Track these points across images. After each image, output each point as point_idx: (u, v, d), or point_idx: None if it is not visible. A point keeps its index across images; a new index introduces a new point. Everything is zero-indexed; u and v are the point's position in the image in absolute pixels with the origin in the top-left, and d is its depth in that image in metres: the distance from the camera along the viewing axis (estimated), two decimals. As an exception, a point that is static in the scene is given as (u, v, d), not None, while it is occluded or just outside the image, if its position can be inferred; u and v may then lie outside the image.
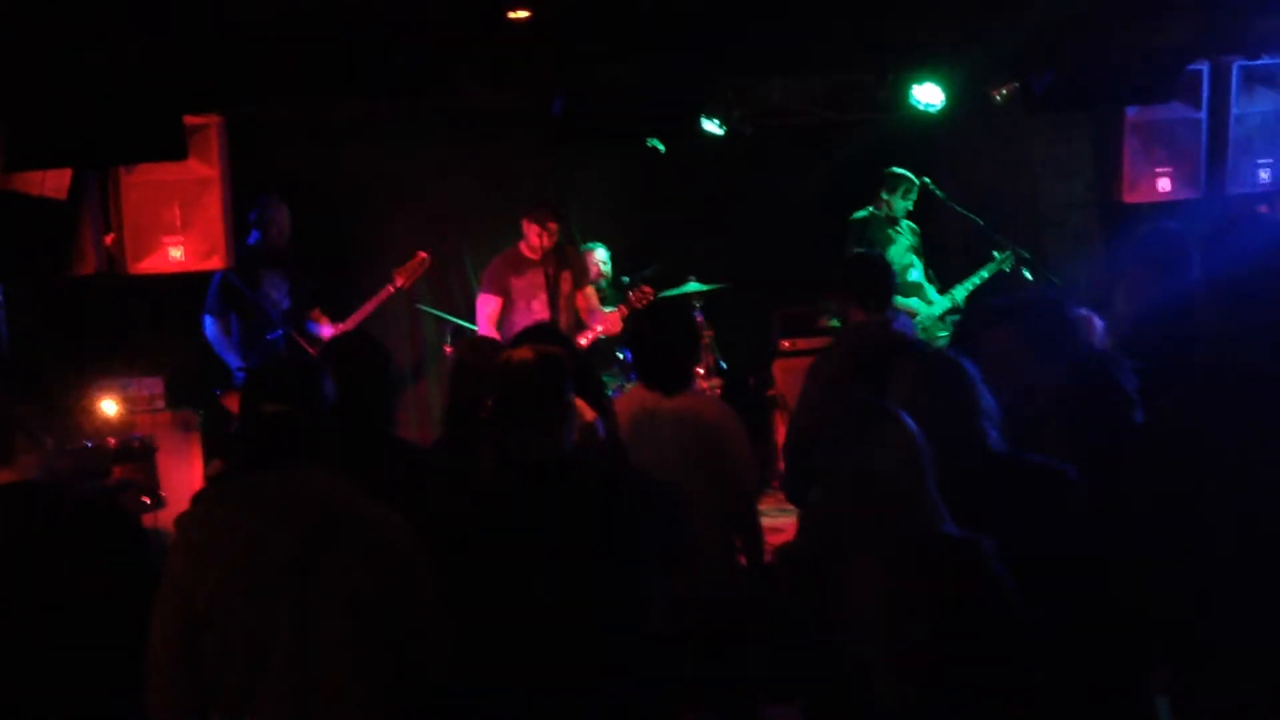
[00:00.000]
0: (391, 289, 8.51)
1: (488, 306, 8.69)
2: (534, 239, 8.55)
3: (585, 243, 9.79)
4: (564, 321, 8.57)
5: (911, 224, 9.41)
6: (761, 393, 9.85)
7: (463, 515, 3.91)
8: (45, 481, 4.05)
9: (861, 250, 8.84)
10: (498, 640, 3.76)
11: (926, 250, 9.54)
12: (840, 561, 3.52)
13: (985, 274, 9.27)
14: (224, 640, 3.52)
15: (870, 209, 9.34)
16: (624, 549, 3.85)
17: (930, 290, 9.39)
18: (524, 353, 3.99)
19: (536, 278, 8.61)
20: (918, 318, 9.16)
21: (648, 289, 8.87)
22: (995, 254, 9.25)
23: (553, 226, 8.58)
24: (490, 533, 3.83)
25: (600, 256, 9.75)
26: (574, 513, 3.84)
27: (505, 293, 8.65)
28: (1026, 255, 9.14)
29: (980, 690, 3.45)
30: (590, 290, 8.91)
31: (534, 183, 8.98)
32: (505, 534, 3.82)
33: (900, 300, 9.14)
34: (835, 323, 9.29)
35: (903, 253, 9.30)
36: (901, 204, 9.29)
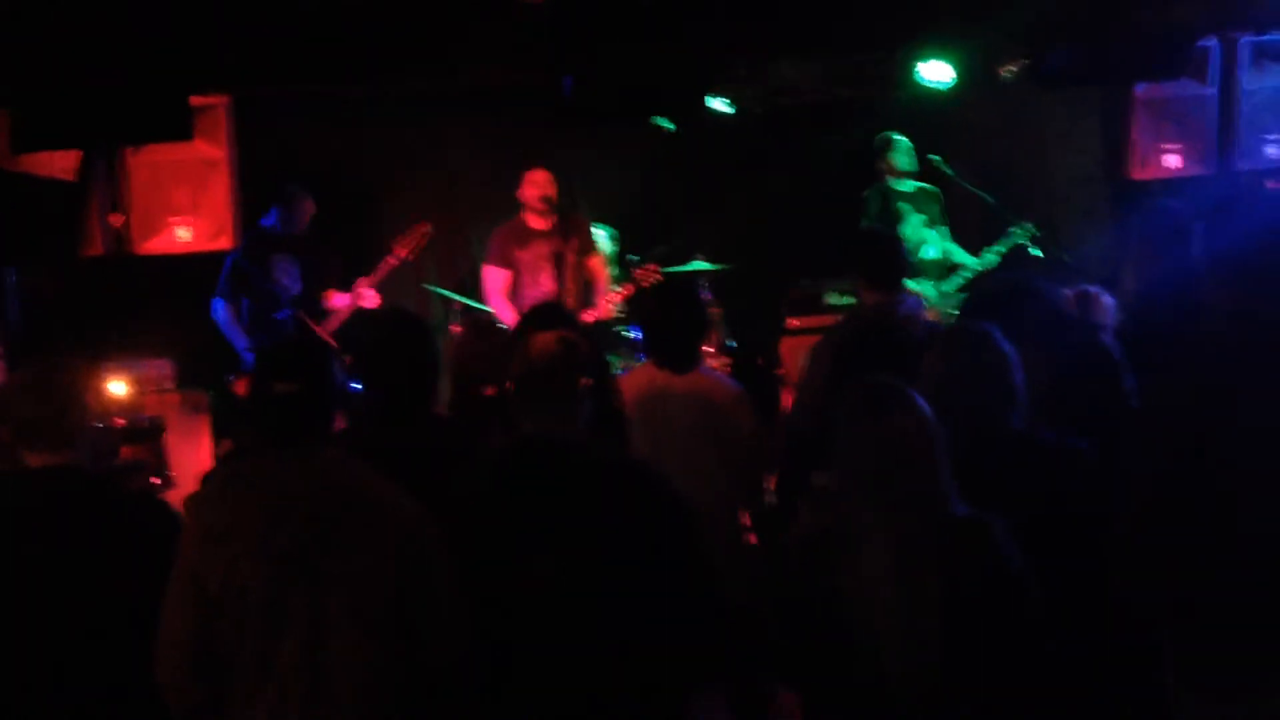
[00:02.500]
0: (394, 261, 8.46)
1: (495, 279, 8.62)
2: (535, 201, 8.53)
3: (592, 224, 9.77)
4: (571, 291, 8.54)
5: (930, 188, 9.30)
6: (770, 371, 9.83)
7: (475, 493, 3.92)
8: (89, 464, 4.06)
9: (874, 227, 8.76)
10: (506, 620, 3.78)
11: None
12: (851, 542, 3.52)
13: (1002, 249, 9.17)
14: (236, 622, 3.53)
15: (878, 184, 9.29)
16: (637, 529, 3.87)
17: (958, 252, 9.24)
18: (543, 337, 4.01)
19: (542, 249, 8.58)
20: (927, 301, 9.08)
21: (653, 267, 8.86)
22: (1012, 229, 9.14)
23: (541, 176, 8.58)
24: (503, 511, 3.85)
25: (599, 237, 9.73)
26: (588, 492, 3.85)
27: (511, 265, 8.62)
28: (1036, 232, 9.09)
29: (992, 671, 3.46)
30: (597, 259, 8.86)
31: (543, 162, 8.94)
32: (518, 512, 3.83)
33: (908, 282, 9.06)
34: (836, 298, 9.30)
35: (916, 229, 9.23)
36: (905, 160, 9.17)
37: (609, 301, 8.70)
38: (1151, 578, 3.55)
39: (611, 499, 3.87)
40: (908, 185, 9.23)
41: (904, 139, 9.17)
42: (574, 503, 3.82)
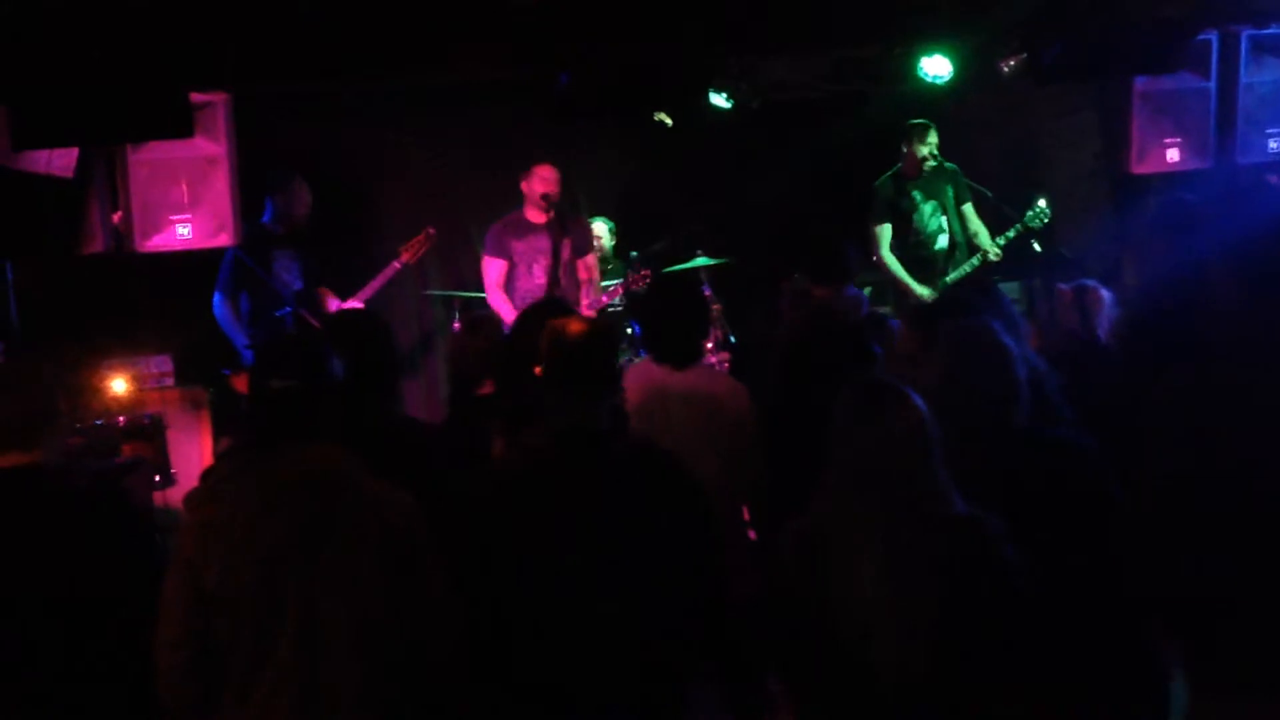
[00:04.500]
0: (398, 265, 8.51)
1: (493, 270, 8.69)
2: (537, 197, 8.55)
3: (589, 217, 9.77)
4: (563, 287, 8.56)
5: (946, 165, 9.16)
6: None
7: (511, 484, 3.93)
8: (56, 463, 4.06)
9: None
10: (536, 609, 3.80)
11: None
12: (847, 539, 3.53)
13: (1010, 234, 9.12)
14: (233, 617, 3.55)
15: (894, 169, 9.24)
16: (681, 514, 3.92)
17: (981, 234, 9.21)
18: (574, 324, 4.05)
19: (539, 242, 8.61)
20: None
21: (646, 272, 8.86)
22: (1028, 213, 9.06)
23: (550, 173, 8.58)
24: (543, 500, 3.86)
25: (600, 230, 9.73)
26: (629, 479, 3.91)
27: (508, 256, 8.66)
28: (1048, 213, 9.05)
29: (987, 668, 3.46)
30: (591, 259, 8.89)
31: (540, 158, 8.95)
32: (559, 501, 3.86)
33: (916, 286, 8.99)
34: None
35: (928, 219, 9.19)
36: (925, 151, 9.12)
37: (596, 303, 8.70)
38: (1155, 573, 3.54)
39: (650, 489, 3.91)
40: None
41: (932, 130, 9.11)
42: (614, 492, 3.86)
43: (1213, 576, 3.43)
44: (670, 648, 3.92)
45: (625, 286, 8.77)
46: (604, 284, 9.04)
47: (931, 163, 9.06)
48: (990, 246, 9.04)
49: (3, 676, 3.83)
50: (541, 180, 8.58)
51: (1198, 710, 3.50)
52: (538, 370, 4.04)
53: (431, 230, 8.63)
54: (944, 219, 9.17)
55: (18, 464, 3.95)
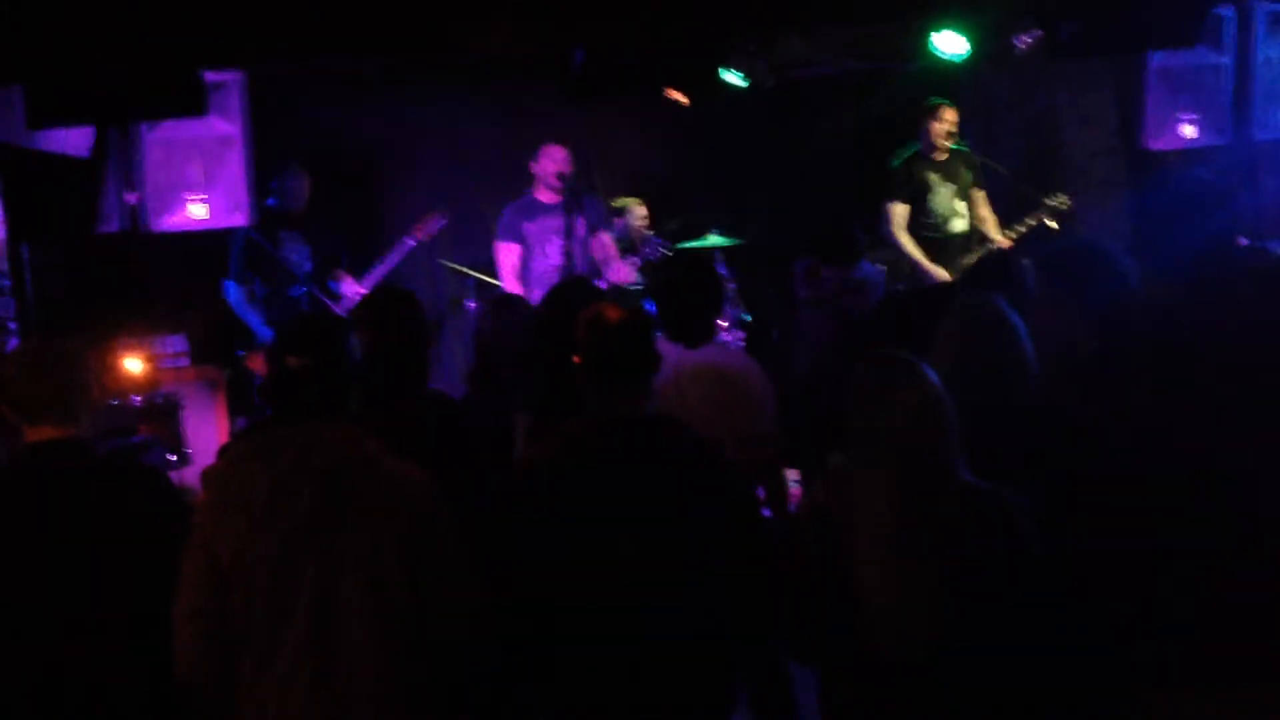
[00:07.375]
0: (410, 243, 8.52)
1: (509, 255, 8.67)
2: (551, 177, 8.54)
3: (615, 198, 9.74)
4: (579, 267, 8.55)
5: (964, 151, 9.15)
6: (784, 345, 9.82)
7: (557, 471, 3.91)
8: (86, 439, 4.10)
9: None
10: (576, 600, 3.80)
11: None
12: (855, 513, 3.53)
13: (1032, 221, 9.08)
14: (249, 593, 3.56)
15: (912, 148, 9.21)
16: (723, 503, 3.91)
17: (989, 220, 9.17)
18: (612, 312, 4.03)
19: (551, 222, 8.60)
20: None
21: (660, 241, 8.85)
22: (1046, 201, 9.03)
23: (560, 153, 8.58)
24: (584, 489, 3.85)
25: (641, 212, 9.69)
26: (673, 466, 3.88)
27: (522, 239, 8.65)
28: (1069, 202, 9.02)
29: (994, 646, 3.46)
30: (607, 237, 8.87)
31: (555, 137, 8.94)
32: (607, 488, 3.84)
33: (932, 266, 8.96)
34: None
35: (944, 202, 9.16)
36: (940, 126, 9.13)
37: (615, 277, 8.70)
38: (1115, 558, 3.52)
39: (692, 479, 3.89)
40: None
41: (949, 108, 9.07)
42: (656, 482, 3.84)
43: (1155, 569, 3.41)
44: (719, 640, 3.91)
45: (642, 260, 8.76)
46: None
47: (949, 141, 9.04)
48: (997, 235, 9.01)
49: (53, 642, 3.87)
50: (552, 159, 8.58)
51: (1166, 707, 3.48)
52: (576, 359, 4.03)
53: (443, 212, 8.64)
54: (960, 204, 9.14)
55: (55, 437, 4.00)
